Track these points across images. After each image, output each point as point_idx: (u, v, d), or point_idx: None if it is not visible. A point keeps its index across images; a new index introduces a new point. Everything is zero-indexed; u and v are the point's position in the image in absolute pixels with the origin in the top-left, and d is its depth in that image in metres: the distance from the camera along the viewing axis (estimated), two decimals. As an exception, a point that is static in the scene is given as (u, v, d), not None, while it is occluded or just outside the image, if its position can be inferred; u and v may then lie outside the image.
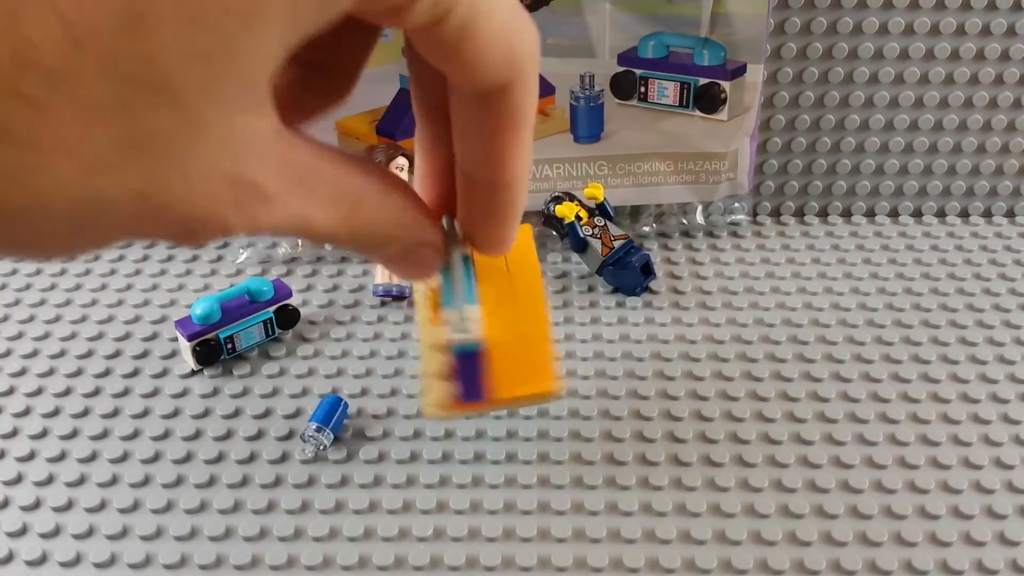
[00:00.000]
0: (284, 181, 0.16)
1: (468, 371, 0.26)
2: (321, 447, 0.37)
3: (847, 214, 0.54)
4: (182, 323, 0.41)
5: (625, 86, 0.47)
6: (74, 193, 0.13)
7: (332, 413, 0.37)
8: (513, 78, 0.17)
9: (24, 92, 0.12)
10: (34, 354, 0.43)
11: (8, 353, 0.43)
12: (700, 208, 0.51)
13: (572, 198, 0.47)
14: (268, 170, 0.15)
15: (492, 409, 0.34)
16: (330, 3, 0.14)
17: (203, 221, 0.15)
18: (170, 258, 0.50)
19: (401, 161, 0.46)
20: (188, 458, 0.37)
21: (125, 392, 0.41)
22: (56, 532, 0.34)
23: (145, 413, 0.39)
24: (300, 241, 0.50)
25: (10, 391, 0.41)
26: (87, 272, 0.49)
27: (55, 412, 0.40)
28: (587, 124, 0.48)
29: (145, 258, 0.50)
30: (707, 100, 0.47)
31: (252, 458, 0.37)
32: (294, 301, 0.44)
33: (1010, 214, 0.54)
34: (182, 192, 0.14)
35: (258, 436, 0.38)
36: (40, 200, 0.13)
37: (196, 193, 0.14)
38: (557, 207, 0.46)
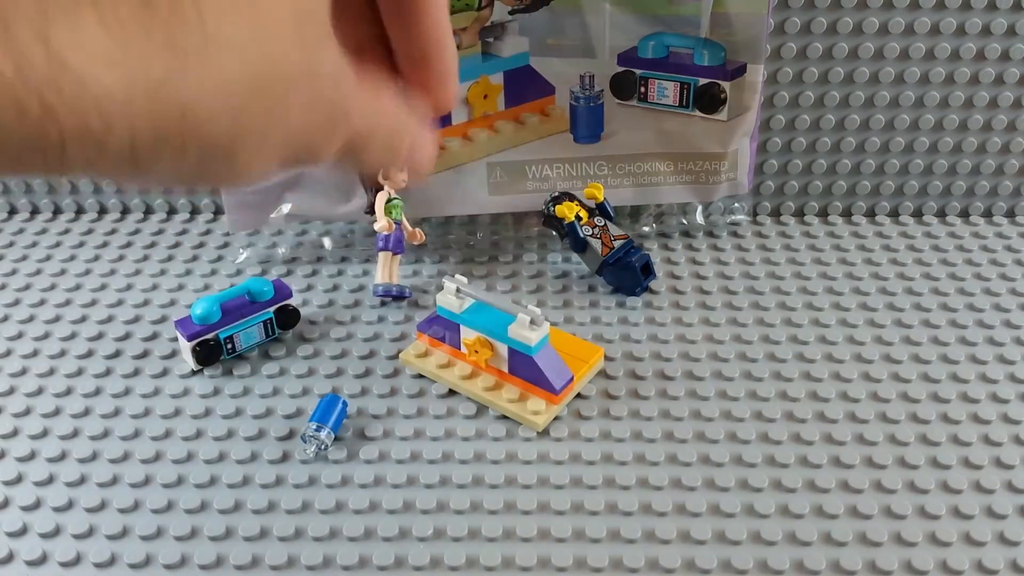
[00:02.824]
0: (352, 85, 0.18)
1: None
2: (322, 446, 0.37)
3: (847, 214, 0.54)
4: (182, 323, 0.41)
5: (625, 86, 0.47)
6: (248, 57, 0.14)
7: (332, 413, 0.37)
8: None
9: None
10: (34, 354, 0.43)
11: (8, 353, 0.43)
12: (700, 208, 0.51)
13: (572, 198, 0.47)
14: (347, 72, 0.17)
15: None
16: None
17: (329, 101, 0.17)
18: (170, 258, 0.50)
19: None
20: (188, 458, 0.37)
21: (125, 392, 0.41)
22: (56, 532, 0.34)
23: (145, 413, 0.39)
24: (300, 240, 0.50)
25: (10, 391, 0.41)
26: (87, 272, 0.49)
27: (55, 412, 0.40)
28: (587, 124, 0.48)
29: (145, 258, 0.50)
30: (707, 100, 0.47)
31: (252, 458, 0.37)
32: (294, 301, 0.44)
33: (1010, 214, 0.54)
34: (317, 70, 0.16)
35: (258, 436, 0.38)
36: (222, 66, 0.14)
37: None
38: (557, 207, 0.46)
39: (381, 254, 0.46)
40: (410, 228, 0.47)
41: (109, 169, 0.14)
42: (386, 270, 0.46)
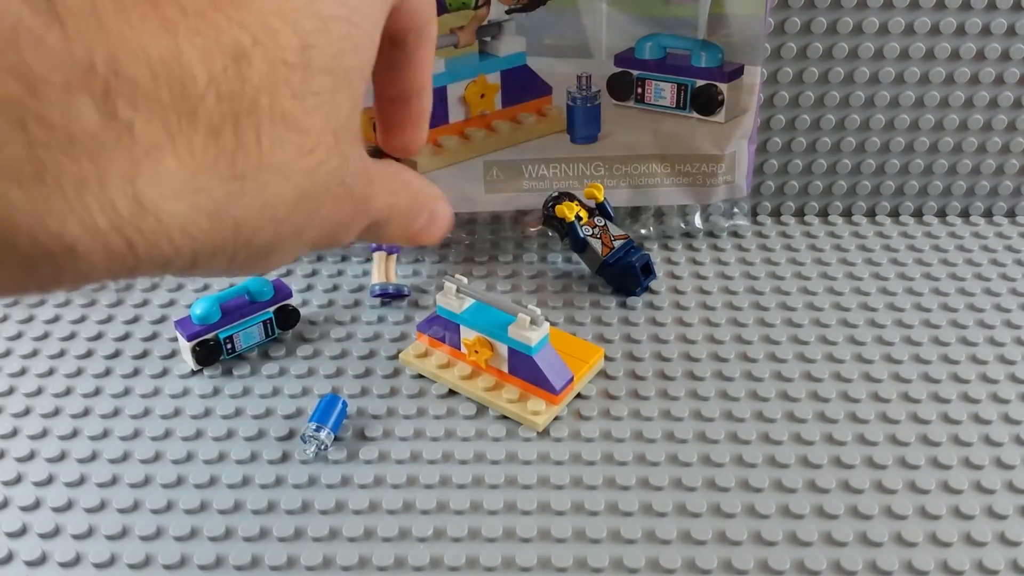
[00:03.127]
0: (371, 183, 0.20)
1: None
2: (322, 447, 0.37)
3: (848, 214, 0.54)
4: (182, 323, 0.41)
5: (622, 87, 0.47)
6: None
7: (332, 413, 0.37)
8: (430, 16, 0.22)
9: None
10: (34, 354, 0.43)
11: (8, 353, 0.43)
12: (699, 212, 0.51)
13: (572, 198, 0.47)
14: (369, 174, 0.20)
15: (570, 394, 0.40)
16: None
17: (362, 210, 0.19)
18: (170, 259, 0.50)
19: None
20: (188, 458, 0.37)
21: (125, 392, 0.41)
22: (56, 532, 0.34)
23: (145, 413, 0.39)
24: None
25: (10, 391, 0.41)
26: (87, 273, 0.49)
27: (55, 412, 0.40)
28: (584, 125, 0.48)
29: (145, 259, 0.50)
30: (704, 102, 0.47)
31: (252, 458, 0.37)
32: (294, 301, 0.44)
33: (1011, 214, 0.54)
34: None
35: (258, 436, 0.38)
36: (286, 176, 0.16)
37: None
38: (557, 207, 0.46)
39: (375, 254, 0.46)
40: None
41: (166, 275, 0.16)
42: (381, 270, 0.46)
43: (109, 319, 0.45)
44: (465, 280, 0.40)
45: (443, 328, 0.40)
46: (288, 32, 0.15)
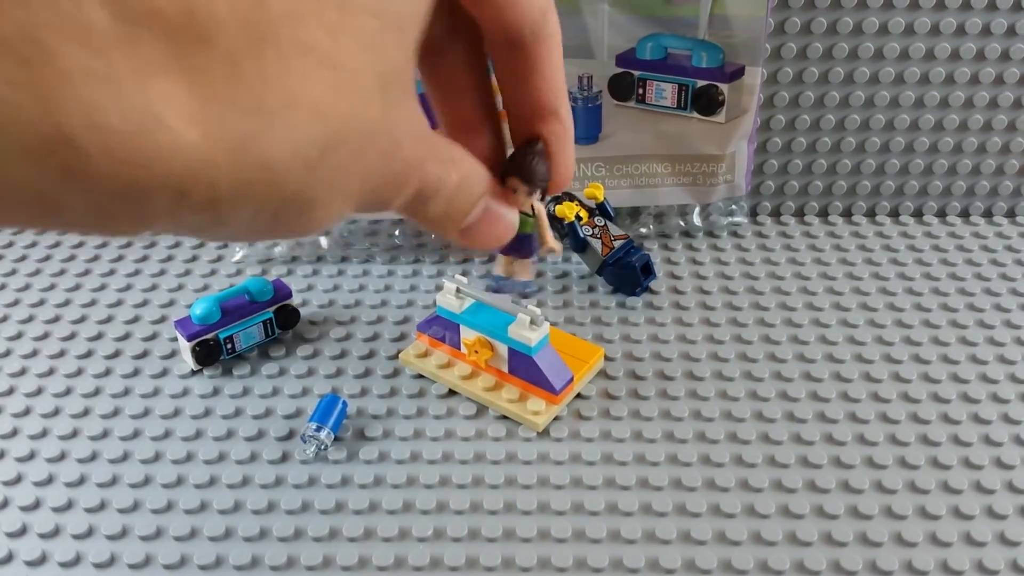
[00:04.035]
0: (423, 145, 0.18)
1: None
2: (322, 447, 0.37)
3: (848, 214, 0.54)
4: (182, 323, 0.41)
5: (623, 87, 0.47)
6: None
7: (332, 413, 0.37)
8: (547, 7, 0.20)
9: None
10: (34, 354, 0.43)
11: (8, 353, 0.43)
12: (697, 210, 0.51)
13: (572, 198, 0.47)
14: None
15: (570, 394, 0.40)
16: None
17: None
18: (170, 258, 0.50)
19: None
20: (188, 458, 0.37)
21: (125, 392, 0.41)
22: (56, 532, 0.34)
23: (145, 413, 0.39)
24: (300, 240, 0.50)
25: (10, 391, 0.41)
26: (86, 272, 0.49)
27: (55, 412, 0.40)
28: (585, 125, 0.48)
29: (145, 258, 0.50)
30: (705, 102, 0.47)
31: (252, 458, 0.37)
32: (294, 301, 0.44)
33: (1011, 214, 0.54)
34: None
35: (258, 436, 0.38)
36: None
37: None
38: (557, 207, 0.46)
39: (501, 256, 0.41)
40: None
41: (191, 222, 0.15)
42: (507, 265, 0.40)
43: (109, 319, 0.45)
44: (465, 280, 0.40)
45: (443, 328, 0.40)
46: None
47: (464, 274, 0.48)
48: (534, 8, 0.20)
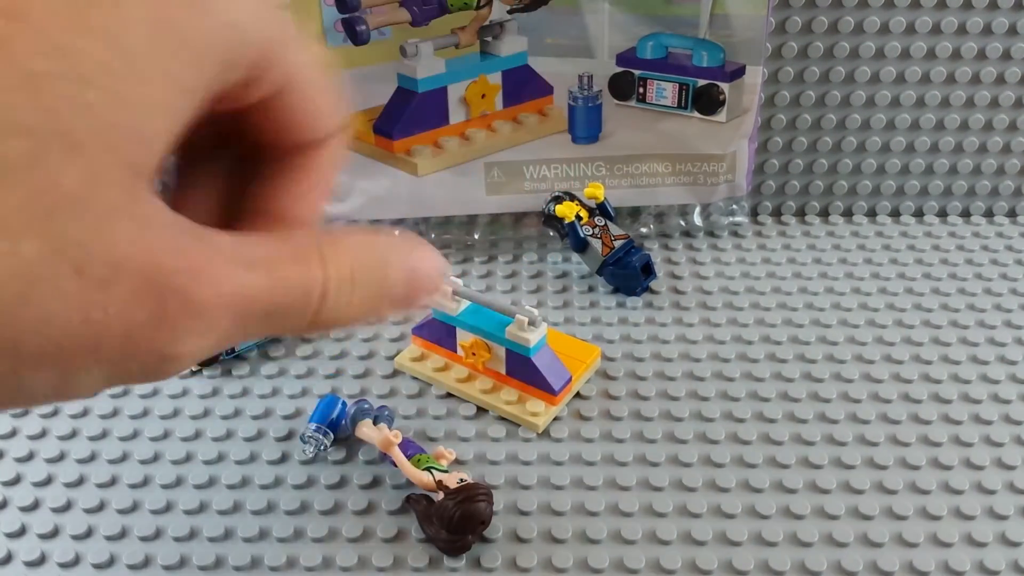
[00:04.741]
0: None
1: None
2: (322, 447, 0.37)
3: (848, 214, 0.54)
4: (181, 324, 0.41)
5: (623, 87, 0.47)
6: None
7: (331, 413, 0.37)
8: (338, 125, 0.19)
9: None
10: (33, 355, 0.43)
11: (7, 354, 0.43)
12: (698, 210, 0.51)
13: (572, 198, 0.47)
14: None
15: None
16: (205, 66, 0.15)
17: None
18: (170, 259, 0.50)
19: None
20: (187, 459, 0.37)
21: (124, 392, 0.41)
22: (55, 533, 0.34)
23: (144, 414, 0.39)
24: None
25: (9, 392, 0.41)
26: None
27: (54, 412, 0.39)
28: (585, 124, 0.48)
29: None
30: (705, 101, 0.47)
31: (251, 459, 0.37)
32: (294, 301, 0.44)
33: (1012, 214, 0.54)
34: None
35: (257, 437, 0.38)
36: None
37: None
38: (557, 207, 0.46)
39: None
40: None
41: None
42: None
43: (109, 319, 0.45)
44: (461, 282, 0.39)
45: (439, 331, 0.40)
46: None
47: (462, 275, 0.48)
48: (311, 113, 0.18)
